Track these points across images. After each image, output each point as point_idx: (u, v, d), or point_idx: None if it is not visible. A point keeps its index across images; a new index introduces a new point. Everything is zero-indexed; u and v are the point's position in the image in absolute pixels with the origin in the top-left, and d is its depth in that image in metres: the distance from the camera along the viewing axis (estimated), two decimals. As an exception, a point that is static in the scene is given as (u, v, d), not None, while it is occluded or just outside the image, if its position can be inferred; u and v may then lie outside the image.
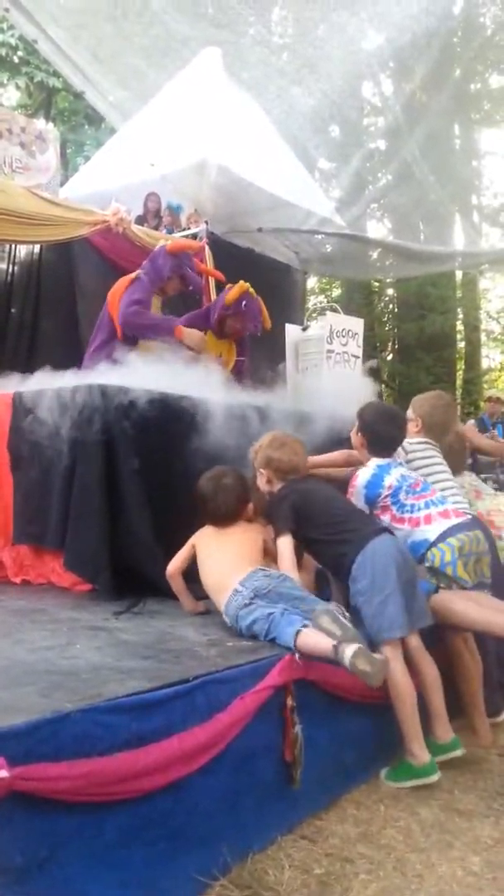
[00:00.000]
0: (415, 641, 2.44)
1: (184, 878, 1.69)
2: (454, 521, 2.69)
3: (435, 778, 2.29)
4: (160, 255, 4.21)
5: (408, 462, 2.97)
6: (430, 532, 2.67)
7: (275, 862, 1.85)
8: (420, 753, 2.30)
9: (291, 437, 2.87)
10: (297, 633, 2.12)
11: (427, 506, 2.73)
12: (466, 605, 2.57)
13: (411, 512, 2.72)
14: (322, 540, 2.57)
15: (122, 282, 4.20)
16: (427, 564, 2.64)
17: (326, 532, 2.55)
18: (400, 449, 2.94)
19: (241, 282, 4.39)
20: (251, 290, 4.37)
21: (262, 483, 2.78)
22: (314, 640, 2.09)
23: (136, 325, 4.08)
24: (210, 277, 5.74)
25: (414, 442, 3.04)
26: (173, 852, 1.67)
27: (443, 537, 2.64)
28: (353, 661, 1.99)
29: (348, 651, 2.00)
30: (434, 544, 2.65)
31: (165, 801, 1.65)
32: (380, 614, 2.31)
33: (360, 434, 2.90)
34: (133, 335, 4.11)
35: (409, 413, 3.15)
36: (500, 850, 1.96)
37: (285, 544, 2.56)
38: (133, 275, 4.20)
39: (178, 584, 2.68)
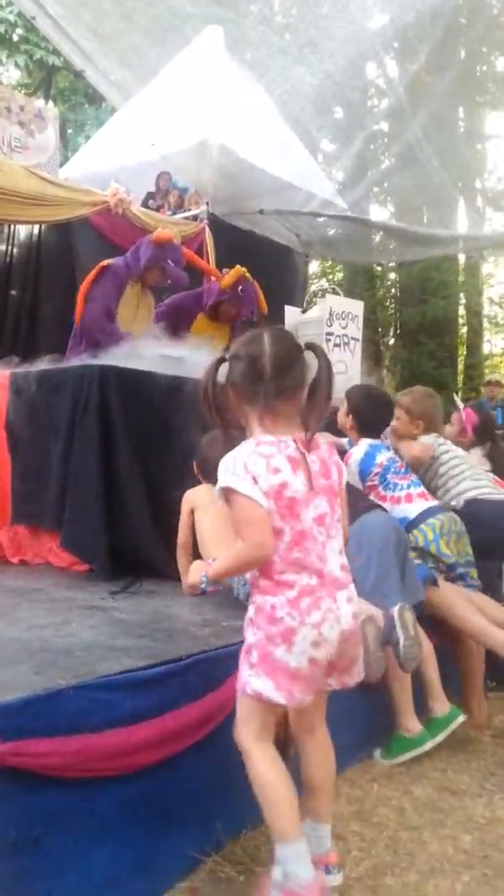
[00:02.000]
0: None
1: (177, 854, 1.71)
2: (432, 503, 2.82)
3: (428, 746, 2.33)
4: (143, 243, 4.18)
5: (440, 460, 3.13)
6: (411, 510, 2.77)
7: (268, 839, 1.85)
8: (412, 726, 2.35)
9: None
10: None
11: (409, 486, 2.83)
12: (471, 613, 2.59)
13: (394, 490, 2.81)
14: None
15: (95, 270, 4.15)
16: (411, 545, 2.67)
17: None
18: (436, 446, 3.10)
19: (238, 266, 4.36)
20: (247, 274, 4.34)
21: None
22: None
23: (92, 332, 4.06)
24: (210, 260, 5.72)
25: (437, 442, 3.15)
26: (167, 829, 1.68)
27: (423, 517, 2.74)
28: (364, 627, 2.00)
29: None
30: (415, 524, 2.73)
31: (159, 779, 1.66)
32: (377, 590, 2.31)
33: (349, 416, 2.95)
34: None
35: (402, 413, 3.16)
36: (491, 829, 1.98)
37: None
38: (106, 262, 4.15)
39: (183, 563, 2.67)
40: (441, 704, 2.46)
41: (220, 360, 1.65)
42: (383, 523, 2.47)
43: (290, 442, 1.57)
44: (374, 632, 2.10)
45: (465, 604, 2.62)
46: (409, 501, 2.79)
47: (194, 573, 1.72)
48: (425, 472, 3.15)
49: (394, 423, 3.12)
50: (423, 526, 2.73)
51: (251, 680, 1.54)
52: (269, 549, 1.52)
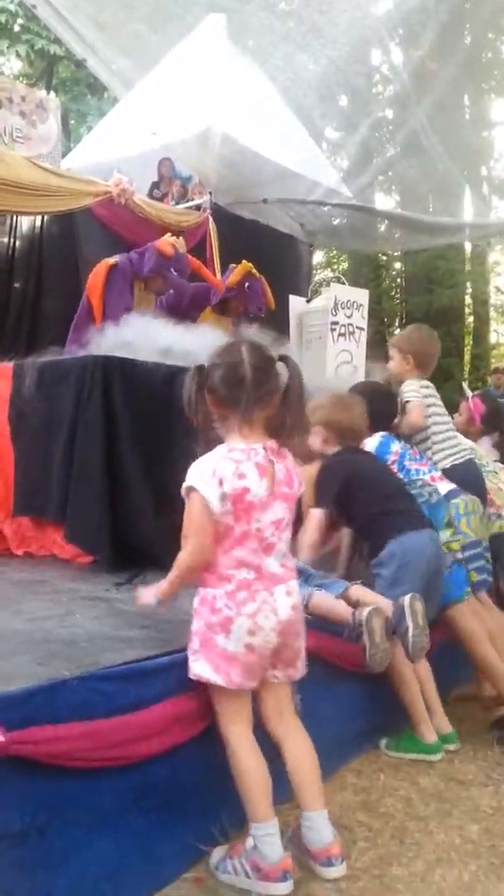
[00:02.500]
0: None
1: (181, 844, 1.70)
2: (453, 485, 2.82)
3: (438, 757, 2.31)
4: (149, 249, 4.16)
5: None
6: (441, 487, 2.77)
7: (273, 829, 1.85)
8: (427, 734, 2.34)
9: (354, 398, 2.74)
10: (311, 594, 2.18)
11: (429, 471, 2.84)
12: (482, 639, 2.56)
13: (417, 475, 2.78)
14: (365, 514, 2.49)
15: (101, 269, 4.13)
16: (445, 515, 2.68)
17: (371, 510, 2.47)
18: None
19: (244, 262, 4.33)
20: (254, 270, 4.31)
21: (315, 441, 2.63)
22: (328, 603, 2.17)
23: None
24: (214, 250, 5.69)
25: (414, 385, 3.05)
26: (171, 819, 1.68)
27: (449, 496, 2.75)
28: (370, 617, 2.06)
29: (365, 611, 2.08)
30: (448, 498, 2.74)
31: (163, 769, 1.65)
32: (389, 595, 2.28)
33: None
34: None
35: (393, 353, 3.15)
36: (498, 819, 1.97)
37: (317, 518, 2.47)
38: (112, 260, 4.12)
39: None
40: (442, 724, 2.44)
41: (201, 368, 1.72)
42: (424, 545, 2.41)
43: (261, 450, 1.68)
44: (380, 623, 2.09)
45: (481, 632, 2.58)
46: (433, 482, 2.79)
47: (146, 596, 1.86)
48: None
49: (389, 364, 3.14)
50: (454, 500, 2.74)
51: (193, 665, 1.68)
52: (208, 554, 1.68)
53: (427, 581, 2.36)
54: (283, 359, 1.74)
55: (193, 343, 3.38)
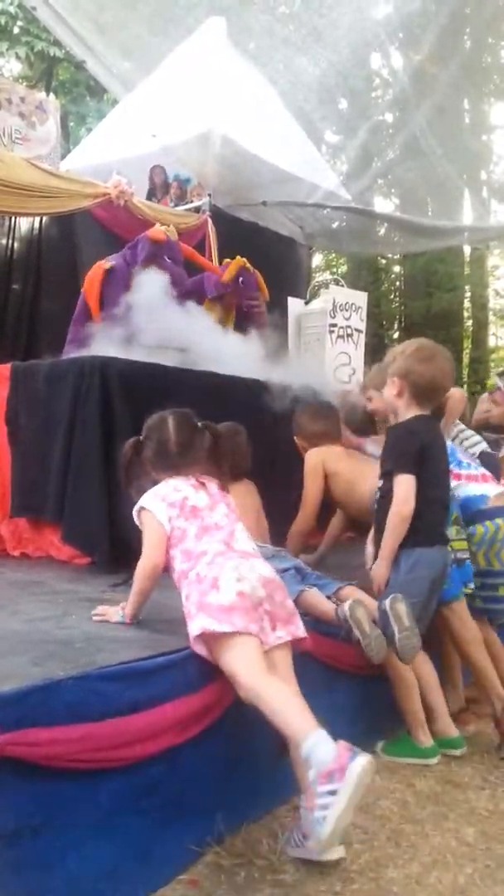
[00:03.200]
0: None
1: (178, 846, 1.70)
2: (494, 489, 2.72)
3: (434, 761, 2.30)
4: (141, 240, 4.15)
5: None
6: (489, 490, 2.67)
7: (269, 831, 1.85)
8: (424, 739, 2.31)
9: (442, 350, 2.40)
10: (301, 591, 2.21)
11: (478, 466, 2.82)
12: (470, 640, 2.50)
13: (468, 469, 2.75)
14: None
15: (97, 272, 4.12)
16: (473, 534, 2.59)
17: (427, 499, 2.24)
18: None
19: (238, 258, 4.33)
20: (247, 265, 4.31)
21: (389, 393, 2.35)
22: (316, 599, 2.22)
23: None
24: (213, 252, 5.69)
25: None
26: (167, 821, 1.67)
27: (497, 513, 2.64)
28: (353, 609, 2.09)
29: (346, 604, 2.12)
30: (489, 516, 2.62)
31: (159, 770, 1.65)
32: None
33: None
34: None
35: (370, 394, 3.07)
36: (494, 822, 1.97)
37: (407, 483, 2.22)
38: (107, 264, 4.12)
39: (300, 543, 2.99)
40: (448, 727, 2.40)
41: (136, 441, 2.15)
42: (436, 563, 2.27)
43: (192, 479, 2.08)
44: (364, 612, 2.11)
45: (474, 632, 2.51)
46: (484, 481, 2.71)
47: (111, 615, 2.06)
48: None
49: (370, 406, 3.12)
50: (496, 521, 2.61)
51: (193, 626, 1.77)
52: (161, 565, 1.97)
53: (429, 592, 2.27)
54: (207, 427, 2.14)
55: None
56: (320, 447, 3.05)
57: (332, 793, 1.47)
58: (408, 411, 2.32)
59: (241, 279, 4.29)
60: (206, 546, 1.91)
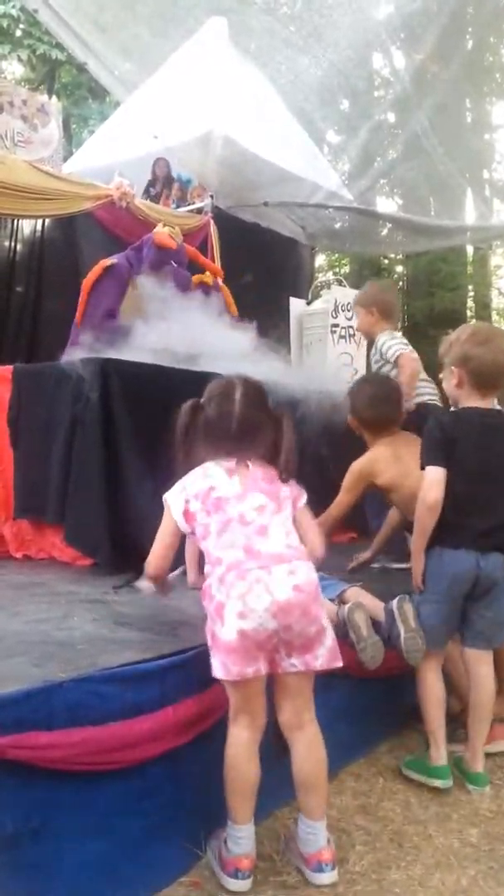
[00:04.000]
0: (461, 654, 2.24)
1: (177, 848, 1.69)
2: None
3: (439, 784, 2.11)
4: (146, 244, 4.14)
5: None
6: None
7: (271, 833, 1.85)
8: (436, 757, 2.15)
9: (499, 331, 2.29)
10: None
11: None
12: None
13: None
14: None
15: (97, 269, 4.12)
16: None
17: (453, 497, 2.09)
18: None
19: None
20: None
21: (448, 385, 2.23)
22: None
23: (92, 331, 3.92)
24: (215, 253, 5.69)
25: (394, 337, 3.10)
26: (167, 823, 1.67)
27: None
28: (351, 613, 2.07)
29: (346, 607, 2.09)
30: None
31: (159, 773, 1.65)
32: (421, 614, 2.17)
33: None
34: None
35: (357, 309, 3.19)
36: (498, 822, 1.96)
37: (432, 474, 2.09)
38: (109, 261, 4.11)
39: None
40: (474, 762, 2.19)
41: (196, 404, 1.83)
42: (461, 563, 2.10)
43: (233, 461, 1.77)
44: (363, 616, 2.09)
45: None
46: None
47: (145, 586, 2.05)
48: (380, 368, 3.15)
49: (356, 324, 3.20)
50: None
51: (212, 662, 1.67)
52: (161, 558, 1.83)
53: (450, 598, 2.14)
54: (284, 415, 1.83)
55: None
56: (372, 452, 2.78)
57: (216, 865, 1.67)
58: (468, 401, 2.17)
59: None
60: (222, 551, 1.68)
